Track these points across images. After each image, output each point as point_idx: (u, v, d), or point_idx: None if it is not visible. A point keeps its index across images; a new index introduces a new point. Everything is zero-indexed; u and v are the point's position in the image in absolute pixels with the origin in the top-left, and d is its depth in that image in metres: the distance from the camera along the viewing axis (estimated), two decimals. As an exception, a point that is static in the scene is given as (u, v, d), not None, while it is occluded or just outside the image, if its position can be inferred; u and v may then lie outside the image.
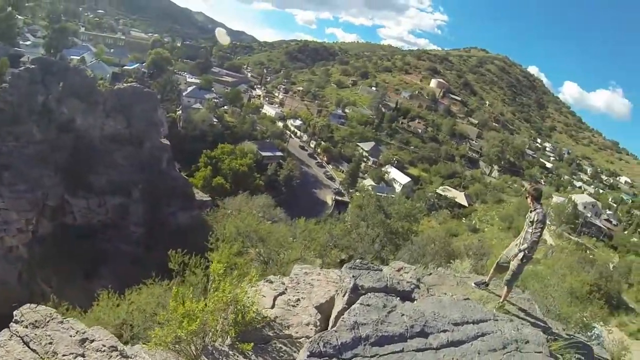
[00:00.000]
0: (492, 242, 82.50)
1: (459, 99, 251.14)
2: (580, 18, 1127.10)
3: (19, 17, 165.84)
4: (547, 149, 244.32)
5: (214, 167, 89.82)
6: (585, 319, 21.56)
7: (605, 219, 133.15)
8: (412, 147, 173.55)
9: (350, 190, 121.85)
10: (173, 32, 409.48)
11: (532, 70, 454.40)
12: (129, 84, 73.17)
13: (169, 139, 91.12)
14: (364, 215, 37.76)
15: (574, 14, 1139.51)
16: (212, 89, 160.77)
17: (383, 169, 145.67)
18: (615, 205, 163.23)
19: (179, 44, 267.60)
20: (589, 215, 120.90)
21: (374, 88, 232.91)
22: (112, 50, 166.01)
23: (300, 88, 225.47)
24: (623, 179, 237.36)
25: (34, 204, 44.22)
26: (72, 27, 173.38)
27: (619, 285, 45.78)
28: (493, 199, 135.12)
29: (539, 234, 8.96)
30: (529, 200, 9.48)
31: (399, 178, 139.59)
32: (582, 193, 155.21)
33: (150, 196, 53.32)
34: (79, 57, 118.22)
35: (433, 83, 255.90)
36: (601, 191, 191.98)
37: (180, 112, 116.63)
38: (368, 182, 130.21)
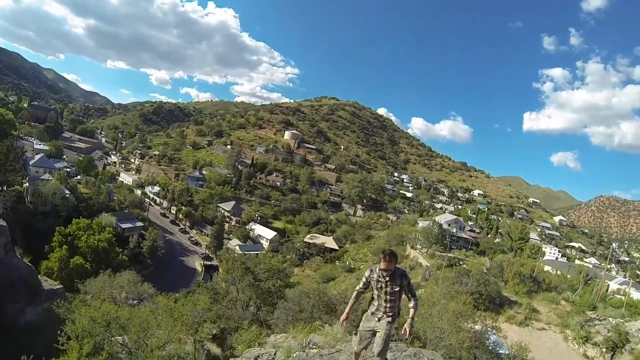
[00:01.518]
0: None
1: (314, 147, 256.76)
2: (416, 60, 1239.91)
3: None
4: (405, 180, 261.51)
5: (70, 245, 78.78)
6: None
7: (469, 230, 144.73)
8: (273, 201, 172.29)
9: (218, 253, 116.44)
10: (19, 89, 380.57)
11: (382, 111, 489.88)
12: None
13: (15, 216, 79.83)
14: (232, 280, 35.74)
15: (413, 59, 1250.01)
16: (64, 156, 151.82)
17: (247, 226, 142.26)
18: (474, 215, 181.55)
19: (25, 104, 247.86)
20: (454, 230, 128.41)
21: (229, 146, 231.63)
22: None
23: (157, 152, 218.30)
24: (476, 192, 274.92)
25: None
26: None
27: (496, 285, 48.58)
28: (362, 237, 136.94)
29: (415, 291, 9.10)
30: (385, 263, 8.56)
31: (265, 233, 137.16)
32: (444, 213, 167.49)
33: None
34: None
35: (287, 135, 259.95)
36: (460, 207, 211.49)
37: (27, 184, 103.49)
38: (234, 242, 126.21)
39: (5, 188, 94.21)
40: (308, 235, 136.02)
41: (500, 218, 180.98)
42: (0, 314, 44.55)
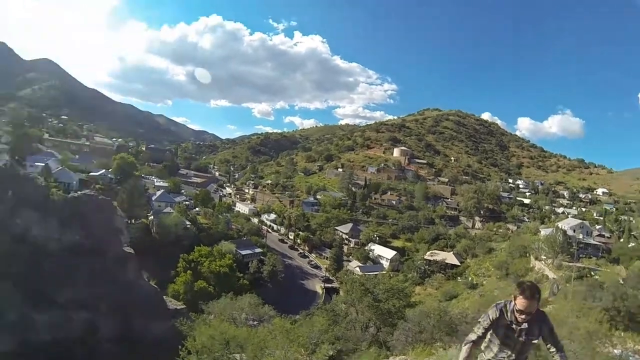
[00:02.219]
0: (494, 294, 79.61)
1: (424, 162, 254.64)
2: (512, 54, 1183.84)
3: None
4: (521, 186, 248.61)
5: (193, 270, 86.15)
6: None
7: (597, 235, 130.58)
8: (390, 220, 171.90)
9: (337, 275, 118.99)
10: (136, 135, 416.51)
11: (486, 116, 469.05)
12: (82, 192, 70.61)
13: (142, 245, 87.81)
14: (352, 301, 37.58)
15: (506, 53, 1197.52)
16: (182, 191, 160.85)
17: (366, 247, 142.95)
18: (601, 218, 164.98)
19: (143, 148, 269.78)
20: (580, 237, 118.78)
21: (340, 169, 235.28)
22: (77, 156, 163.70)
23: (269, 181, 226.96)
24: (600, 190, 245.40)
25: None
26: (36, 133, 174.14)
27: (636, 299, 41.94)
28: (483, 250, 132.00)
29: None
30: (525, 302, 6.08)
31: (384, 253, 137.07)
32: (567, 218, 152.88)
33: (119, 309, 49.37)
34: (43, 164, 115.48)
35: (396, 152, 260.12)
36: (584, 209, 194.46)
37: (151, 217, 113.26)
38: (354, 264, 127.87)
39: (133, 221, 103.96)
40: (428, 252, 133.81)
41: (631, 218, 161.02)
42: (129, 329, 49.42)
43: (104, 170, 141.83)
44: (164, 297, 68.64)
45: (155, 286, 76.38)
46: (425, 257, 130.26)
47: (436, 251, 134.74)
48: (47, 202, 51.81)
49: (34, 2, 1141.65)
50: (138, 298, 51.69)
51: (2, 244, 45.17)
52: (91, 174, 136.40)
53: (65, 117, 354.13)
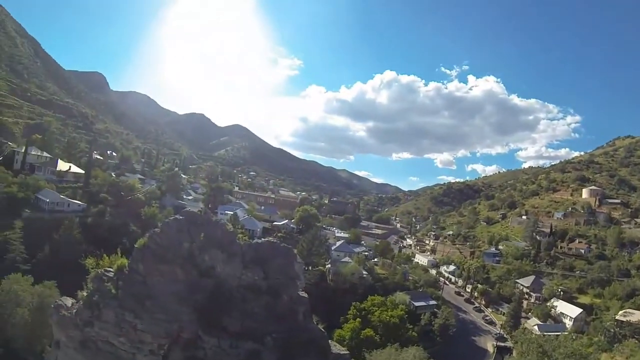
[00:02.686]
0: None
1: (617, 201, 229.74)
2: None
3: (184, 176, 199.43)
4: None
5: (363, 319, 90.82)
6: None
7: None
8: (578, 272, 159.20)
9: (513, 333, 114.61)
10: (319, 189, 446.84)
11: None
12: (266, 239, 79.95)
13: (317, 291, 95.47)
14: None
15: None
16: (362, 242, 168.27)
17: (548, 303, 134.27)
18: None
19: (326, 201, 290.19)
20: None
21: (524, 217, 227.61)
22: (262, 207, 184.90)
23: (450, 232, 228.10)
24: None
25: (169, 333, 48.58)
26: (228, 187, 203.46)
27: None
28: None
29: None
30: None
31: (568, 311, 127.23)
32: None
33: (284, 346, 55.36)
34: (232, 213, 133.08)
35: (585, 193, 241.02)
36: None
37: (329, 265, 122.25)
38: (533, 322, 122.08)
39: (310, 268, 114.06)
40: (621, 312, 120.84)
41: None
42: (289, 363, 54.14)
43: (286, 221, 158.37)
44: (330, 340, 74.01)
45: (323, 330, 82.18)
46: (617, 317, 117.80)
47: (631, 310, 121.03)
48: (232, 245, 60.31)
49: (227, 76, 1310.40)
50: (304, 338, 57.24)
51: (190, 274, 54.33)
52: (275, 223, 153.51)
53: (254, 173, 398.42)
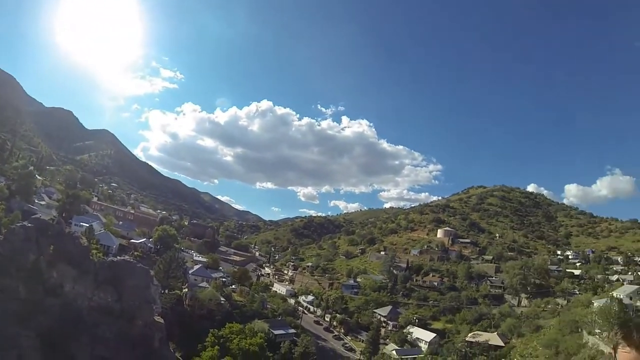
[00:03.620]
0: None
1: (468, 241, 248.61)
2: (559, 122, 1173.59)
3: (39, 177, 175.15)
4: (570, 256, 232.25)
5: (222, 346, 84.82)
6: None
7: None
8: (431, 302, 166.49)
9: (373, 359, 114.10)
10: (181, 210, 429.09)
11: (532, 187, 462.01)
12: (122, 258, 71.43)
13: (174, 316, 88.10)
14: None
15: (548, 121, 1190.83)
16: (220, 268, 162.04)
17: (404, 330, 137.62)
18: None
19: (186, 222, 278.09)
20: (638, 304, 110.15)
21: (382, 252, 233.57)
22: (120, 222, 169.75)
23: (309, 263, 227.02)
24: None
25: (4, 363, 39.23)
26: (86, 196, 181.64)
27: None
28: (530, 328, 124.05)
29: None
30: None
31: (423, 336, 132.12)
32: (622, 285, 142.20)
33: None
34: (88, 225, 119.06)
35: (440, 233, 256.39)
36: None
37: (186, 290, 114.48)
38: (391, 347, 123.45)
39: (167, 292, 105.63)
40: (470, 334, 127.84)
41: None
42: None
43: (145, 239, 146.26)
44: None
45: (180, 358, 76.46)
46: (467, 338, 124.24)
47: (479, 332, 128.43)
48: (85, 261, 52.70)
49: (102, 76, 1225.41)
50: None
51: (34, 293, 45.81)
52: (132, 241, 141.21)
53: (115, 184, 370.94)
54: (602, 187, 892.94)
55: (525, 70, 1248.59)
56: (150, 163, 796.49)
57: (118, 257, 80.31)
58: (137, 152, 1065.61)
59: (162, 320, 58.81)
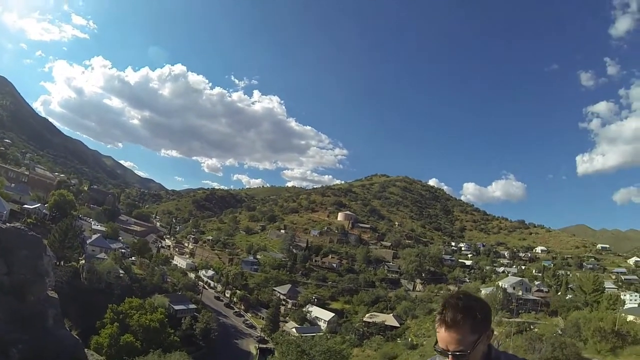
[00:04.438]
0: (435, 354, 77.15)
1: (368, 226, 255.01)
2: (461, 124, 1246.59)
3: None
4: (463, 248, 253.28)
5: (121, 323, 79.30)
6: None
7: (536, 291, 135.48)
8: (330, 282, 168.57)
9: (273, 336, 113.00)
10: (81, 173, 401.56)
11: (433, 182, 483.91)
12: (12, 225, 64.29)
13: (69, 290, 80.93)
14: None
15: (456, 122, 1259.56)
16: (120, 238, 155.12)
17: (304, 309, 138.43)
18: (540, 274, 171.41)
19: (85, 188, 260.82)
20: (520, 293, 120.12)
21: (282, 231, 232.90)
22: (12, 185, 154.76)
23: (210, 237, 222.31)
24: (539, 248, 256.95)
25: None
26: None
27: (574, 347, 44.09)
28: (423, 311, 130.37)
29: None
30: (445, 330, 3.51)
31: (322, 315, 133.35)
32: (507, 276, 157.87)
33: (33, 358, 42.92)
34: None
35: (340, 216, 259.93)
36: (524, 267, 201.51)
37: (83, 261, 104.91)
38: (291, 325, 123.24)
39: (62, 263, 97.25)
40: (367, 315, 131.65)
41: (569, 272, 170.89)
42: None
43: (39, 205, 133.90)
44: (85, 349, 62.11)
45: (77, 337, 70.13)
46: (364, 319, 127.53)
47: (375, 313, 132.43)
48: None
49: (2, 13, 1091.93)
50: (56, 347, 45.61)
51: None
52: (25, 206, 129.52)
53: (9, 140, 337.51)
54: (497, 188, 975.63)
55: (440, 69, 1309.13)
56: (50, 119, 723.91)
57: (8, 223, 72.54)
58: (37, 106, 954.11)
59: (56, 296, 53.12)
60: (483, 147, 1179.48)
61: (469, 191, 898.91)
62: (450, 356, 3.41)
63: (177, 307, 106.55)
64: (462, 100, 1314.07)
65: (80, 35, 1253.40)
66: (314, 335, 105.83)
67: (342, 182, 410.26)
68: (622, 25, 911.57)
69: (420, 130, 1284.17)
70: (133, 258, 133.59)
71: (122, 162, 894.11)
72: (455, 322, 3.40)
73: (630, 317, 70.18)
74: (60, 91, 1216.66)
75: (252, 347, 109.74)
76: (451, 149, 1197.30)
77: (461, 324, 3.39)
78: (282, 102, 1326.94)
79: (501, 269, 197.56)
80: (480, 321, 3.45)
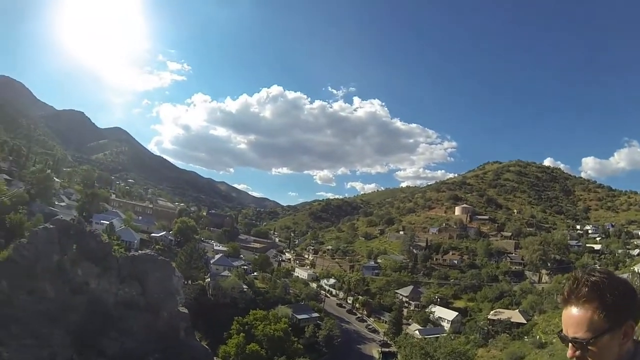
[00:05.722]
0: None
1: (486, 217, 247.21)
2: (572, 95, 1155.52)
3: (57, 179, 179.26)
4: (590, 231, 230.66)
5: (247, 333, 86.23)
6: None
7: None
8: (452, 280, 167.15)
9: (396, 339, 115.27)
10: (198, 201, 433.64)
11: (548, 162, 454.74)
12: (143, 252, 73.69)
13: (198, 306, 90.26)
14: None
15: (559, 93, 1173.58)
16: (241, 256, 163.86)
17: (427, 310, 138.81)
18: None
19: (204, 213, 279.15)
20: None
21: (401, 232, 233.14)
22: (140, 217, 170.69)
23: (329, 247, 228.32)
24: None
25: (40, 360, 41.74)
26: (104, 194, 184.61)
27: None
28: (551, 305, 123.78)
29: None
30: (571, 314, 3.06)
31: (445, 315, 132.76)
32: None
33: None
34: (108, 222, 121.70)
35: (457, 210, 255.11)
36: None
37: (208, 279, 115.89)
38: (414, 327, 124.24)
39: (190, 282, 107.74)
40: (491, 312, 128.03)
41: None
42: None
43: (165, 232, 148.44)
44: (215, 358, 69.78)
45: (207, 347, 78.84)
46: (489, 316, 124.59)
47: (500, 310, 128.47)
48: (108, 258, 54.81)
49: (111, 75, 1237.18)
50: (188, 356, 52.66)
51: (61, 293, 48.07)
52: (152, 235, 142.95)
53: (132, 180, 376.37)
54: (620, 159, 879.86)
55: (541, 41, 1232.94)
56: (164, 157, 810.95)
57: (140, 251, 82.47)
58: (151, 147, 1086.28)
59: (186, 311, 60.93)
60: (596, 116, 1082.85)
61: (589, 166, 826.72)
62: (569, 344, 2.92)
63: (300, 317, 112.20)
64: (562, 71, 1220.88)
65: (178, 78, 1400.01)
66: (437, 337, 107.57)
67: (455, 175, 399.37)
68: None
69: (526, 110, 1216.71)
70: (255, 273, 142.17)
71: (235, 185, 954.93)
72: (577, 298, 2.92)
73: None
74: (170, 130, 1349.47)
75: (375, 352, 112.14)
76: (563, 124, 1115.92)
77: (583, 302, 2.89)
78: (383, 104, 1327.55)
79: (636, 251, 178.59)
80: (613, 305, 2.76)
